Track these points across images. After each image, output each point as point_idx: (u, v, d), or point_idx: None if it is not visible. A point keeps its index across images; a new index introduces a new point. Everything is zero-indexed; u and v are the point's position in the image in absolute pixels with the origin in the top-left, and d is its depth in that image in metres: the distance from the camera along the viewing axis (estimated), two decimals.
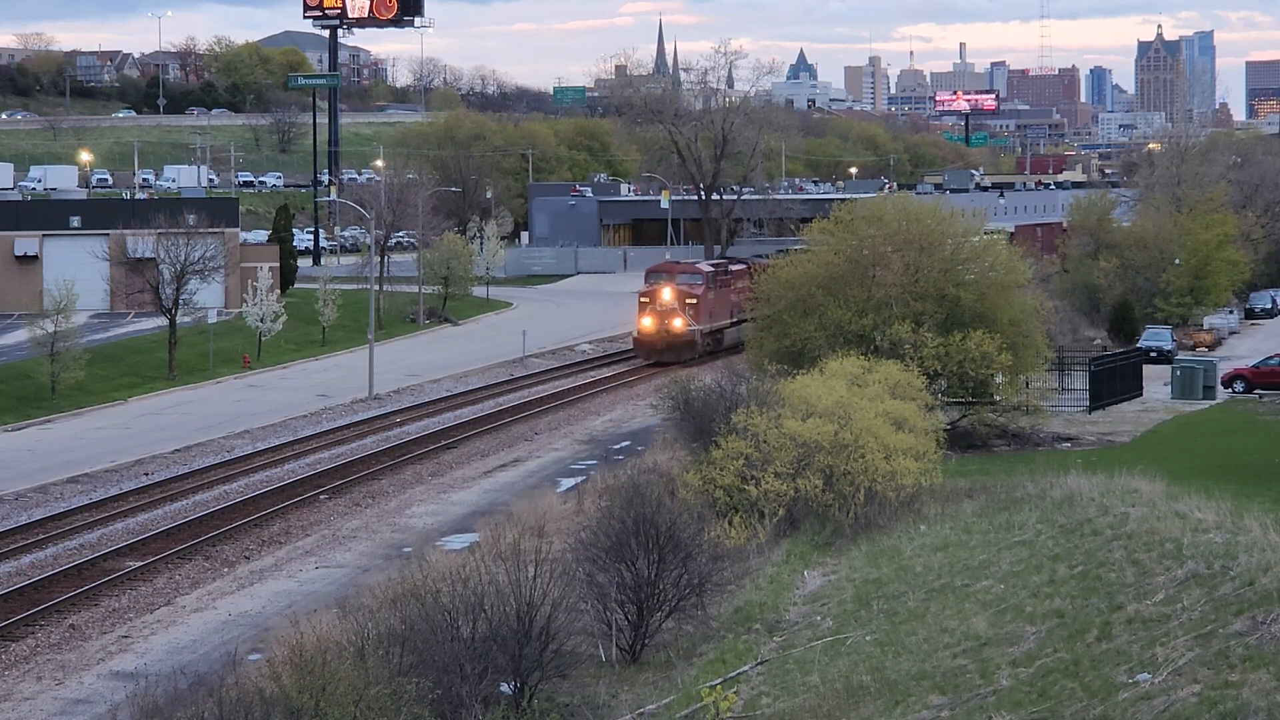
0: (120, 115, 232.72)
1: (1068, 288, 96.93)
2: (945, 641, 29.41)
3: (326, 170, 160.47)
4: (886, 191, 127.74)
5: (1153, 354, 79.58)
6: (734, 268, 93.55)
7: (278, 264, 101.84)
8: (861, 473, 42.78)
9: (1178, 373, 70.35)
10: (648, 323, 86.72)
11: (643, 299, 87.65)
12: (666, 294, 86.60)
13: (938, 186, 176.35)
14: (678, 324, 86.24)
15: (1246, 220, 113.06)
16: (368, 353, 77.64)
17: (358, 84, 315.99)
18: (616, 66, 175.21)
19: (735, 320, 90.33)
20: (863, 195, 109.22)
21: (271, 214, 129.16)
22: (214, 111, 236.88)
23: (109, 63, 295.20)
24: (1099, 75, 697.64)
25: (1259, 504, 36.47)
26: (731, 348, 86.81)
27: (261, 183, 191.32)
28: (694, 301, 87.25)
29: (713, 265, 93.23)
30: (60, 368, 71.76)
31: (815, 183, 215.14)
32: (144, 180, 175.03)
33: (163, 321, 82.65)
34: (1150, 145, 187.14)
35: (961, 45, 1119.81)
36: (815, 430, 43.01)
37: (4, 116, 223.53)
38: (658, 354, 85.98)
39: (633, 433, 65.16)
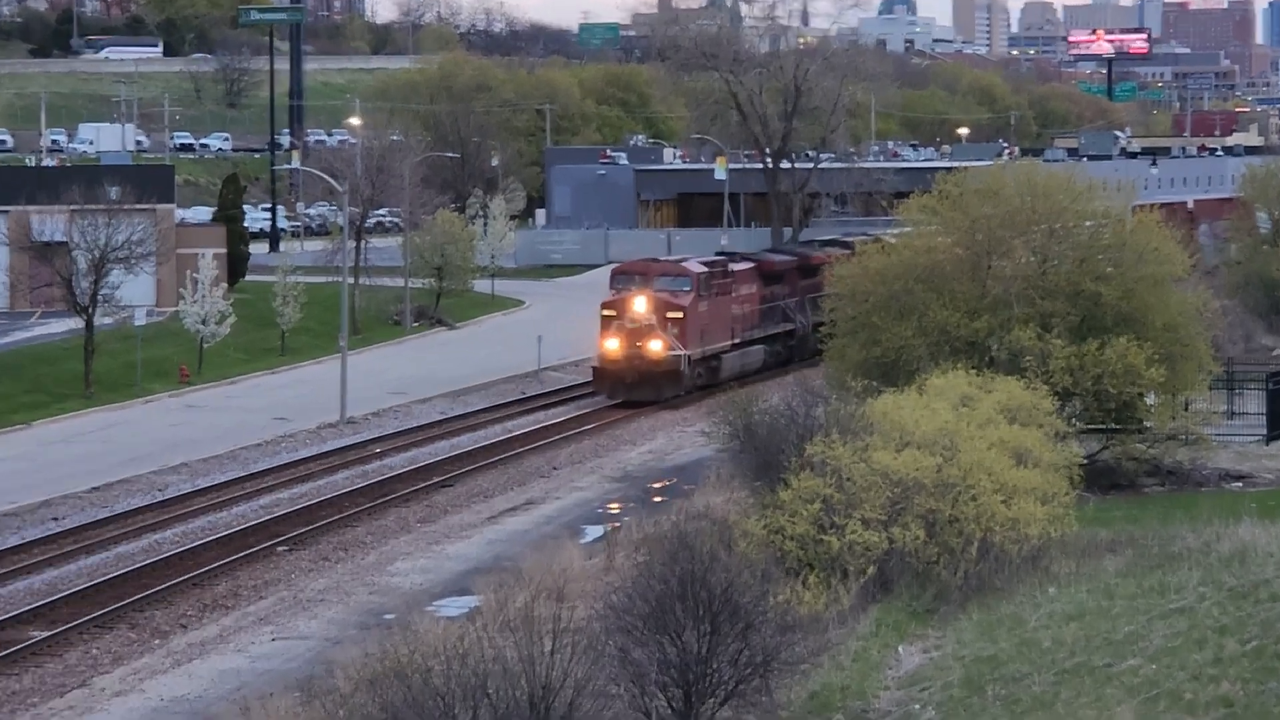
0: None
1: (1239, 283, 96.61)
2: None
3: (287, 130, 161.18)
4: (1006, 159, 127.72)
5: None
6: (737, 268, 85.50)
7: (224, 250, 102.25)
8: (973, 520, 42.75)
9: None
10: (613, 345, 78.09)
11: (607, 312, 79.26)
12: (640, 305, 78.04)
13: (1072, 152, 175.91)
14: (655, 347, 77.71)
15: None
16: (339, 364, 77.86)
17: (327, 19, 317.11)
18: None
19: (740, 341, 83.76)
20: (975, 163, 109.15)
21: (217, 186, 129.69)
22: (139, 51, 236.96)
23: None
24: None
25: None
26: (732, 379, 78.90)
27: (204, 146, 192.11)
28: (679, 316, 78.51)
29: (706, 264, 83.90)
30: None
31: (914, 147, 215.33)
32: (53, 142, 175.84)
33: (77, 323, 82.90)
34: None
35: None
36: (913, 465, 43.00)
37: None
38: (626, 389, 78.04)
39: (678, 467, 65.23)
